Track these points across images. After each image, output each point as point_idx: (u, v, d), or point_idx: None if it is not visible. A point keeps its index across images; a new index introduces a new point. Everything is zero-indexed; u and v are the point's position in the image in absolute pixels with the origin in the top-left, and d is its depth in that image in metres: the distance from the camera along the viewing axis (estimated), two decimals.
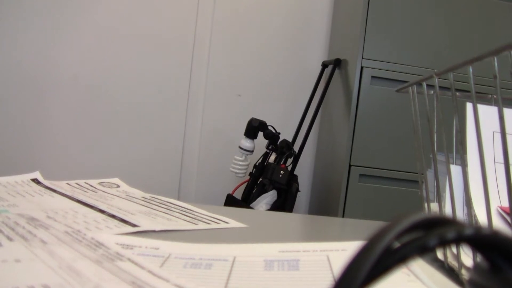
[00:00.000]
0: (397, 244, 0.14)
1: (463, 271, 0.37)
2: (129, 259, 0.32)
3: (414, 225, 0.14)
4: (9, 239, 0.35)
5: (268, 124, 1.74)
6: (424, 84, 0.43)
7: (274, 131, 1.74)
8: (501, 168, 0.41)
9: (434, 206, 0.45)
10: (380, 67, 1.64)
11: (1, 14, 1.93)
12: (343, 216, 1.63)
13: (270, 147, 1.75)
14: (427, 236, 0.14)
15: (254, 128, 1.71)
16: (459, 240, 0.14)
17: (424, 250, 0.14)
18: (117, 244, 0.36)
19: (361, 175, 1.65)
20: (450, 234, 0.14)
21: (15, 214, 0.41)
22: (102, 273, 0.29)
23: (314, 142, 2.15)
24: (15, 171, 0.59)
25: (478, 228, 0.15)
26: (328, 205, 1.82)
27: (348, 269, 0.13)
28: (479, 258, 0.35)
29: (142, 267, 0.31)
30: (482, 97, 0.49)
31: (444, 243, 0.14)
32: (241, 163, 1.74)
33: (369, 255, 0.13)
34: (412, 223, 0.14)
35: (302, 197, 2.12)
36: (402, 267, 0.14)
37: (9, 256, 0.31)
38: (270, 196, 1.64)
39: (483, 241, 0.15)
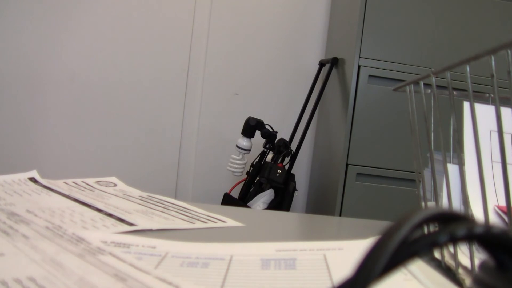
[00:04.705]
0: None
1: (460, 270, 0.37)
2: (110, 253, 0.33)
3: (428, 219, 0.14)
4: None
5: (265, 123, 1.74)
6: (421, 83, 0.43)
7: (271, 130, 1.74)
8: (498, 167, 0.41)
9: (431, 205, 0.45)
10: (377, 66, 1.64)
11: None
12: (340, 215, 1.63)
13: (267, 146, 1.75)
14: (439, 232, 0.14)
15: (251, 127, 1.71)
16: (469, 238, 0.14)
17: (434, 246, 0.14)
18: (113, 243, 0.36)
19: (358, 174, 1.65)
20: (461, 231, 0.14)
21: None
22: (85, 266, 0.29)
23: (311, 141, 2.15)
24: (12, 169, 0.59)
25: (489, 226, 0.14)
26: (325, 204, 1.82)
27: (367, 260, 0.13)
28: (476, 257, 0.35)
29: (124, 261, 0.31)
30: (480, 96, 0.49)
31: (455, 240, 0.14)
32: (238, 162, 1.74)
33: (387, 247, 0.13)
34: (426, 216, 0.14)
35: (299, 196, 2.13)
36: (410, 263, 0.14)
37: None
38: (267, 195, 1.64)
39: (493, 239, 0.15)
